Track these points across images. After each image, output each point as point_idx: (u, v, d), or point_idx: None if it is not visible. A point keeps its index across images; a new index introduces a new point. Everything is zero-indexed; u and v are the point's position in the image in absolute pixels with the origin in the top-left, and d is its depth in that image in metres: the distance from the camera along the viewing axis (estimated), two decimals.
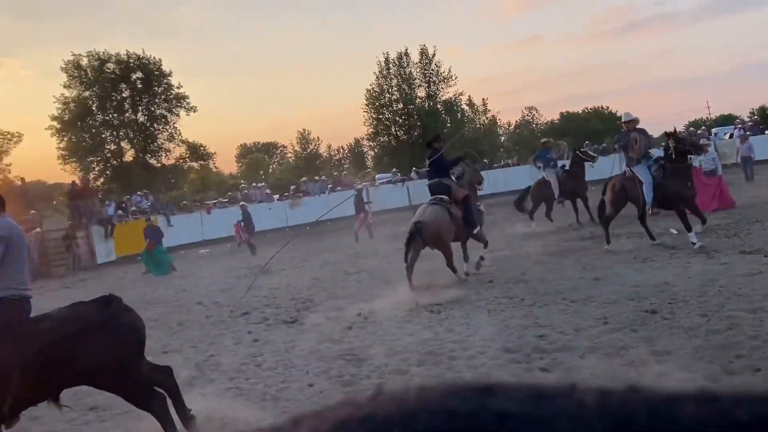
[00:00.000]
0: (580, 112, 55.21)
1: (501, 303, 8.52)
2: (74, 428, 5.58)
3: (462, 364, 6.19)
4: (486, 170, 31.73)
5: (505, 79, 71.86)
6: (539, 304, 8.13)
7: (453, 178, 10.85)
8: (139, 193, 25.19)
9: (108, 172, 39.72)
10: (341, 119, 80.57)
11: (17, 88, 60.06)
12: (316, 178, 32.66)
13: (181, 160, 42.06)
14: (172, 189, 40.07)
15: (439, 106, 45.03)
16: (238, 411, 5.45)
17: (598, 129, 47.10)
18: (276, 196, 29.01)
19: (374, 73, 45.17)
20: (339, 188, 29.90)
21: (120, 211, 23.12)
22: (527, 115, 57.68)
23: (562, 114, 55.30)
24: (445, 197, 10.49)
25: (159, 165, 41.09)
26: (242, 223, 20.46)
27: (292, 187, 29.42)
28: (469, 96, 48.02)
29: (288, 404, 5.50)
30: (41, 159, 72.46)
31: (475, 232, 10.74)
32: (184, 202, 27.09)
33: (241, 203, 22.54)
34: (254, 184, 31.24)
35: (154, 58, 40.02)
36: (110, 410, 5.88)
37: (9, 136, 38.09)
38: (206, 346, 8.05)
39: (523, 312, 7.92)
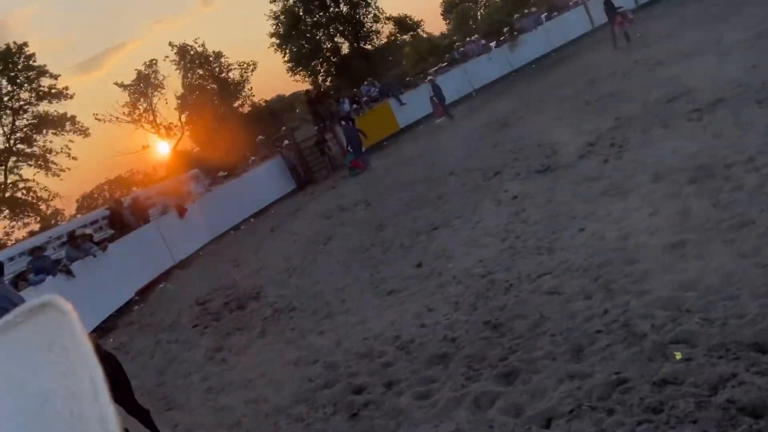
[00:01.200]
0: None
1: None
2: (379, 312, 6.27)
3: (740, 170, 5.65)
4: None
5: None
6: None
7: None
8: (365, 82, 26.14)
9: (332, 71, 41.69)
10: None
11: (235, 20, 64.73)
12: (527, 11, 30.77)
13: (392, 37, 42.41)
14: (393, 68, 40.90)
15: None
16: (520, 268, 5.65)
17: None
18: (493, 44, 28.11)
19: None
20: (556, 13, 27.95)
21: (354, 105, 24.30)
22: None
23: None
24: None
25: (373, 49, 41.99)
26: (434, 98, 22.00)
27: (506, 28, 28.18)
28: None
29: (564, 254, 5.55)
30: (274, 76, 78.16)
31: None
32: (408, 78, 27.55)
33: (429, 78, 23.14)
34: (468, 38, 30.48)
35: None
36: (406, 291, 6.49)
37: (245, 65, 41.67)
38: (470, 213, 8.35)
39: None
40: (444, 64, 27.82)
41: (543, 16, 28.54)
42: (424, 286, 6.40)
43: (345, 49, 42.02)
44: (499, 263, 6.06)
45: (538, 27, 26.72)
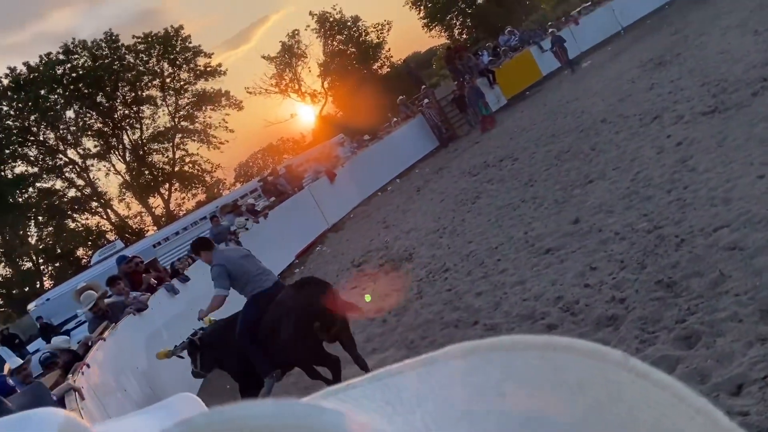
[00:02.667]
0: None
1: None
2: (537, 272, 6.11)
3: None
4: None
5: None
6: None
7: None
8: (505, 31, 25.31)
9: (468, 23, 40.85)
10: None
11: None
12: None
13: None
14: (532, 13, 39.29)
15: None
16: (692, 221, 5.24)
17: None
18: None
19: None
20: None
21: (492, 57, 23.67)
22: None
23: None
24: None
25: None
26: (555, 49, 21.55)
27: None
28: None
29: (743, 204, 5.06)
30: (409, 34, 77.65)
31: None
32: (549, 23, 26.31)
33: (550, 30, 22.14)
34: None
35: None
36: (564, 249, 6.27)
37: (380, 26, 41.88)
38: (628, 164, 7.87)
39: None
40: (588, 4, 26.26)
41: None
42: (583, 244, 6.14)
43: None
44: (666, 216, 5.66)
45: None
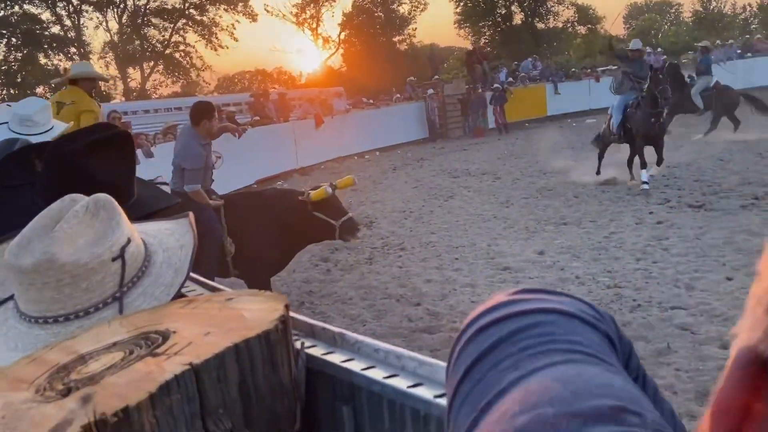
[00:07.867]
0: None
1: None
2: (491, 283, 6.19)
3: None
4: None
5: None
6: None
7: None
8: (530, 59, 25.44)
9: (497, 37, 40.83)
10: None
11: None
12: (719, 42, 28.71)
13: (569, 24, 41.04)
14: (556, 54, 39.55)
15: None
16: (652, 293, 5.39)
17: None
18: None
19: None
20: (749, 54, 26.01)
21: (510, 78, 23.76)
22: None
23: None
24: None
25: (545, 29, 40.74)
26: (492, 103, 21.25)
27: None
28: None
29: (705, 296, 5.23)
30: (437, 23, 77.15)
31: None
32: (573, 69, 26.54)
33: (495, 85, 21.89)
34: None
35: None
36: (523, 273, 6.37)
37: (417, 3, 41.41)
38: (606, 222, 8.03)
39: None
40: (615, 67, 26.55)
41: (737, 52, 26.55)
42: (542, 275, 6.24)
43: (518, 19, 41.05)
44: (629, 280, 5.80)
45: (727, 61, 24.90)
